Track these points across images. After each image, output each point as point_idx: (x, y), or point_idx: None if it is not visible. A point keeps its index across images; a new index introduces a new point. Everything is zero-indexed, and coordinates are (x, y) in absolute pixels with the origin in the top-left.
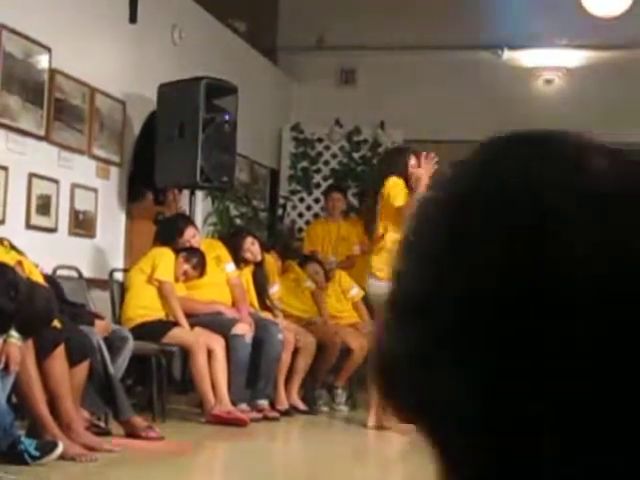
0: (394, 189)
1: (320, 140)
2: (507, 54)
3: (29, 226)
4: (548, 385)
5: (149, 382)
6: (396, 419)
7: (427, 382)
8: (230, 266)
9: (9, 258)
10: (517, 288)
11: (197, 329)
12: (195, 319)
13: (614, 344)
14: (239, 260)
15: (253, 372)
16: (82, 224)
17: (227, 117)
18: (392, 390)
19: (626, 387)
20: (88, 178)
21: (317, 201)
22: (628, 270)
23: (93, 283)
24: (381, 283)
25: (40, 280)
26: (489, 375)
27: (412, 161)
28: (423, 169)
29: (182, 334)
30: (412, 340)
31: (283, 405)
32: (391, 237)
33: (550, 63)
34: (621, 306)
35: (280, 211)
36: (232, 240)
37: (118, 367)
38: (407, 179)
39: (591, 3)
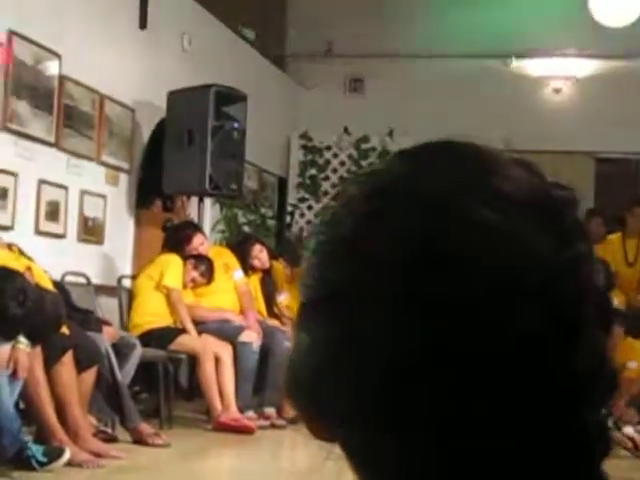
0: None
1: (328, 148)
2: (515, 63)
3: (38, 232)
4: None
5: (156, 389)
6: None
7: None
8: (238, 273)
9: (18, 264)
10: (408, 282)
11: (204, 336)
12: (203, 326)
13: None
14: (247, 267)
15: (260, 379)
16: (91, 230)
17: (236, 125)
18: (303, 404)
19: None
20: (97, 185)
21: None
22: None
23: (101, 289)
24: None
25: (49, 286)
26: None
27: None
28: None
29: (190, 341)
30: (316, 347)
31: (290, 413)
32: None
33: (559, 72)
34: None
35: (288, 219)
36: (240, 247)
37: (126, 374)
38: None
39: (601, 13)
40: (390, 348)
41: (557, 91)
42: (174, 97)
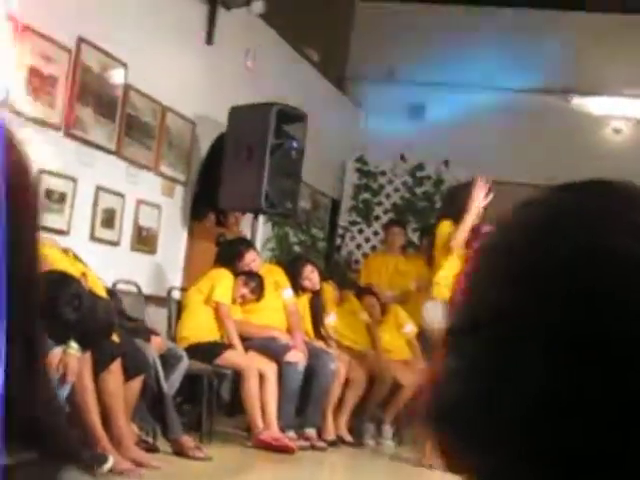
0: (440, 232)
1: (383, 173)
2: (576, 100)
3: (93, 238)
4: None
5: (199, 402)
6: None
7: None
8: (288, 292)
9: (74, 269)
10: (569, 317)
11: (251, 353)
12: (249, 343)
13: None
14: (297, 287)
15: (303, 400)
16: (144, 240)
17: (295, 144)
18: (447, 433)
19: None
20: (153, 195)
21: (376, 234)
22: None
23: (151, 299)
24: (437, 303)
25: (102, 293)
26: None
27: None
28: (477, 194)
29: (235, 357)
30: (469, 374)
31: (330, 435)
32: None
33: (620, 112)
34: None
35: (338, 241)
36: (292, 266)
37: (171, 385)
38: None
39: None
40: (545, 381)
41: (617, 131)
42: (236, 112)
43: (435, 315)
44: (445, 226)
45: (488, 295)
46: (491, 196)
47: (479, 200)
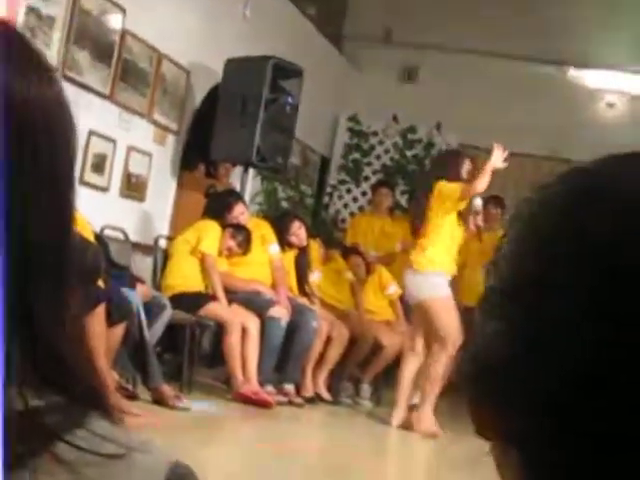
0: (446, 189)
1: (375, 134)
2: (573, 72)
3: (82, 183)
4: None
5: (180, 352)
6: (474, 426)
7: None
8: (274, 247)
9: None
10: (600, 289)
11: (234, 306)
12: (233, 296)
13: None
14: (284, 243)
15: (283, 356)
16: (134, 187)
17: (290, 99)
18: (481, 396)
19: None
20: (145, 142)
21: (364, 194)
22: None
23: (137, 247)
24: (421, 276)
25: (91, 238)
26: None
27: (467, 166)
28: (497, 158)
29: (219, 309)
30: (512, 340)
31: (309, 392)
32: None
33: (615, 87)
34: None
35: (326, 199)
36: (280, 222)
37: (153, 333)
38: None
39: None
40: (580, 353)
41: (611, 105)
42: (232, 64)
43: (414, 286)
44: (447, 185)
45: (532, 261)
46: (506, 164)
47: (496, 162)
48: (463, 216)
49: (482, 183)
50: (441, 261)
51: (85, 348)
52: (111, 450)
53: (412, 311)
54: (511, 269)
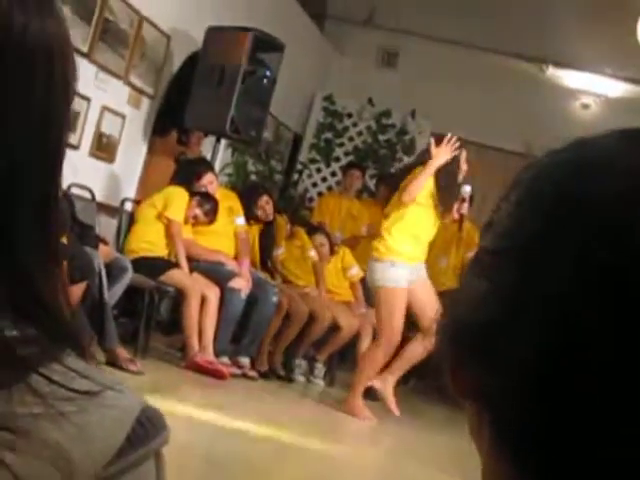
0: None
1: (350, 115)
2: (551, 71)
3: None
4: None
5: (137, 316)
6: (454, 392)
7: (497, 356)
8: (240, 219)
9: None
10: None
11: (195, 274)
12: (195, 264)
13: None
14: (250, 216)
15: (241, 328)
16: (104, 147)
17: (268, 73)
18: (459, 359)
19: None
20: (119, 103)
21: (333, 175)
22: None
23: (103, 208)
24: (378, 264)
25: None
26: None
27: (432, 144)
28: (442, 150)
29: (180, 276)
30: (498, 301)
31: (263, 366)
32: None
33: (591, 88)
34: None
35: (296, 177)
36: (247, 195)
37: (112, 295)
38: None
39: None
40: (571, 306)
41: (586, 107)
42: (212, 33)
43: (369, 272)
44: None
45: (530, 224)
46: (461, 153)
47: (441, 156)
48: (446, 201)
49: (419, 184)
50: (401, 250)
51: (64, 290)
52: (85, 387)
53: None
54: (506, 231)
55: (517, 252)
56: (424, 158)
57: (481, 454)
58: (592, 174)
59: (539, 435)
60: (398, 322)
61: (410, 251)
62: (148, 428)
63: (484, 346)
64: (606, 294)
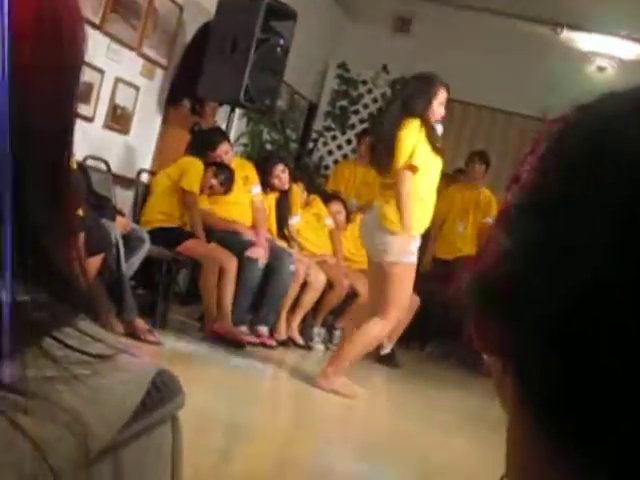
0: (400, 145)
1: (364, 82)
2: (566, 33)
3: None
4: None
5: (155, 287)
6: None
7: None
8: (256, 188)
9: None
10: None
11: (212, 244)
12: (212, 234)
13: None
14: (266, 185)
15: (259, 297)
16: (119, 119)
17: (281, 41)
18: (483, 310)
19: None
20: (132, 75)
21: (349, 142)
22: None
23: (119, 180)
24: (395, 237)
25: (72, 166)
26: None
27: (442, 97)
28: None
29: (197, 246)
30: (522, 255)
31: (281, 335)
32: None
33: (606, 51)
34: None
35: (311, 145)
36: (263, 164)
37: (129, 266)
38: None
39: None
40: (600, 270)
41: (601, 69)
42: (225, 2)
43: (392, 247)
44: (404, 142)
45: (557, 179)
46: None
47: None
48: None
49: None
50: (414, 220)
51: (79, 259)
52: (99, 350)
53: None
54: (533, 185)
55: (544, 206)
56: (414, 106)
57: (505, 410)
58: (624, 125)
59: (561, 391)
60: (407, 299)
61: (421, 219)
62: (164, 392)
63: (508, 297)
64: None
